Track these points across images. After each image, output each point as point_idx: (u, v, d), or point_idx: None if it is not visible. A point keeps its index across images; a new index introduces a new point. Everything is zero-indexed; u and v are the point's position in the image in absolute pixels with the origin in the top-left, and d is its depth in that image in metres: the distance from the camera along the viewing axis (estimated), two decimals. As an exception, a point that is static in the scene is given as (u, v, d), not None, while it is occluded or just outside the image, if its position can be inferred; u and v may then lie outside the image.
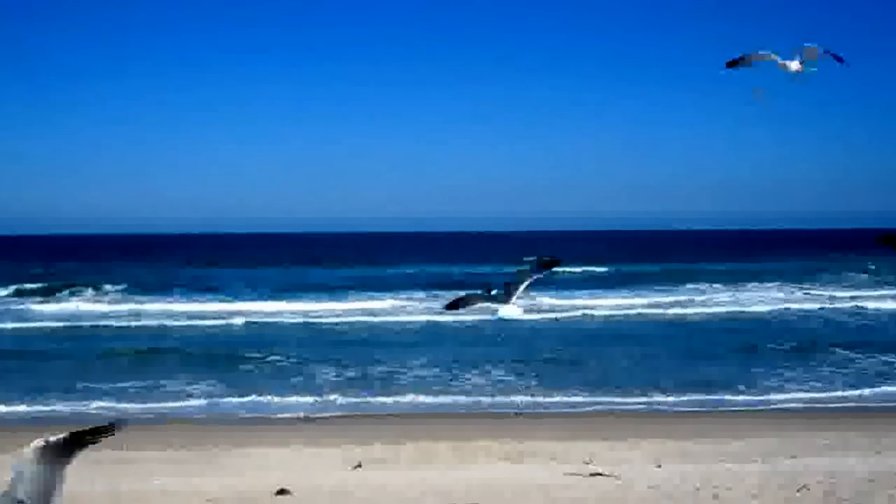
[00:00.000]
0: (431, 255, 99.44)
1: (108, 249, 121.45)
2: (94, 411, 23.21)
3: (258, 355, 32.39)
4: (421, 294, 55.23)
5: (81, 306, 48.98)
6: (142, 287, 57.62)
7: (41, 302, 51.32)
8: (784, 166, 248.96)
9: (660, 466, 15.17)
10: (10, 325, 41.23)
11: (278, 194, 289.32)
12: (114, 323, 42.40)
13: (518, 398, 24.80)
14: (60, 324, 41.77)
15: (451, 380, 27.31)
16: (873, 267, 65.22)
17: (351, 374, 28.66)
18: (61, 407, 23.96)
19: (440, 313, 44.27)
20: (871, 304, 47.68)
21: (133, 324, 42.16)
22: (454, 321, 42.23)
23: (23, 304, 50.57)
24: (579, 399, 24.57)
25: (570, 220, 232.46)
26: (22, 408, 23.87)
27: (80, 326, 41.35)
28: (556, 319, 42.89)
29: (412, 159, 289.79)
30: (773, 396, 24.78)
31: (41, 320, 43.54)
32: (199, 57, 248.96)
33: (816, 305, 48.04)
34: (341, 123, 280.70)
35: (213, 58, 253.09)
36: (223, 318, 43.28)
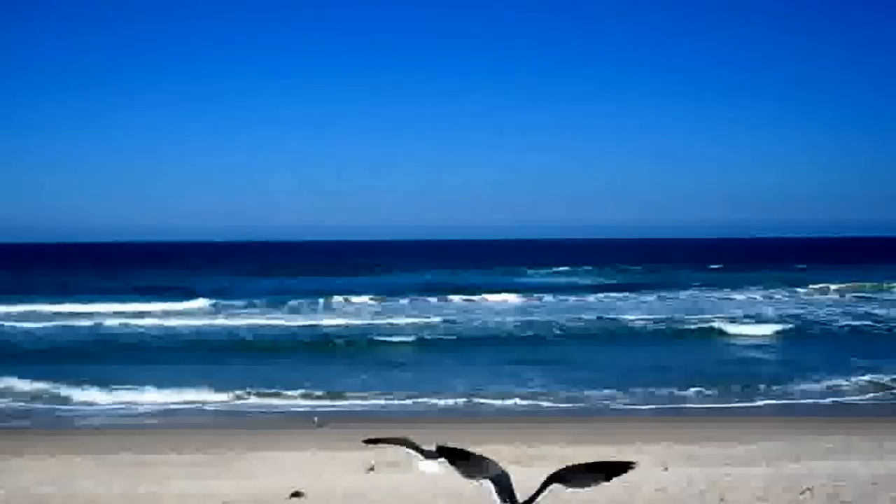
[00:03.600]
0: (444, 263, 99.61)
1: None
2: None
3: (271, 360, 32.78)
4: (433, 299, 55.56)
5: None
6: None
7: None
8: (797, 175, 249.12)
9: (666, 469, 15.32)
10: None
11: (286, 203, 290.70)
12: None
13: (524, 402, 25.04)
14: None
15: (462, 384, 27.50)
16: None
17: (364, 377, 28.91)
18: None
19: (452, 320, 44.74)
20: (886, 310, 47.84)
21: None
22: (465, 327, 42.54)
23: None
24: (587, 405, 24.81)
25: (579, 228, 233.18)
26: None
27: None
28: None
29: (424, 168, 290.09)
30: (779, 401, 25.02)
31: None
32: (215, 68, 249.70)
33: (838, 310, 48.13)
34: (356, 133, 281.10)
35: (229, 68, 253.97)
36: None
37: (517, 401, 25.09)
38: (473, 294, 57.18)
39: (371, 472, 16.12)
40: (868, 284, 61.56)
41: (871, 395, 25.57)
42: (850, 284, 61.04)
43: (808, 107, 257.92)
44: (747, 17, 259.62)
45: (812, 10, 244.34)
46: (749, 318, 44.48)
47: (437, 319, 44.71)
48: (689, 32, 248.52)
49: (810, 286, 60.80)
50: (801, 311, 47.77)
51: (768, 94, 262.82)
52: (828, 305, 51.40)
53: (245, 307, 51.35)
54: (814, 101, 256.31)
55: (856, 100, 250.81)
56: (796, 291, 59.29)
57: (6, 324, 43.48)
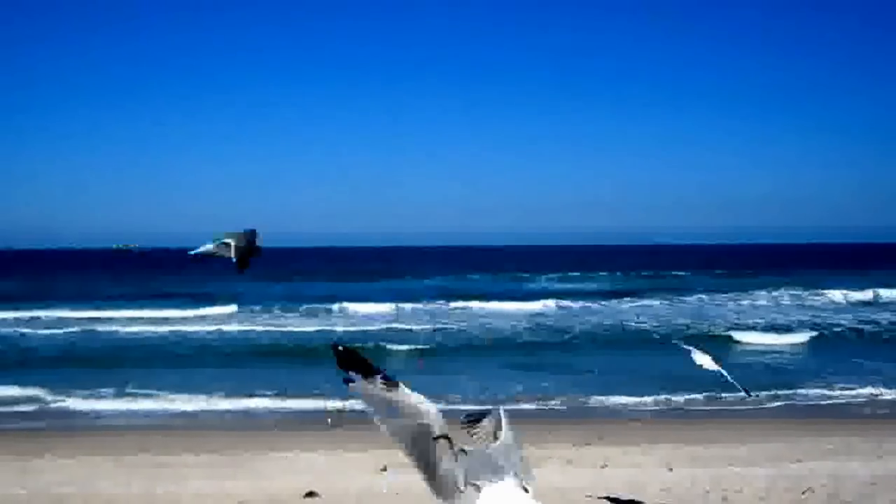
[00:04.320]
0: (456, 269, 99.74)
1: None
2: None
3: (286, 363, 33.16)
4: (445, 304, 55.84)
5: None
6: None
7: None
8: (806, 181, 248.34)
9: (671, 470, 15.60)
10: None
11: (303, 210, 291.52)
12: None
13: (533, 404, 25.32)
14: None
15: (472, 386, 27.79)
16: None
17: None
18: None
19: (463, 325, 45.07)
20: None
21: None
22: (476, 331, 42.81)
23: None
24: (594, 407, 25.11)
25: (588, 234, 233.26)
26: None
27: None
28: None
29: (436, 175, 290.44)
30: (781, 403, 25.28)
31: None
32: (231, 80, 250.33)
33: (841, 315, 48.27)
34: (368, 141, 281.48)
35: (243, 81, 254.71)
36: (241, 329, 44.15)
37: (526, 404, 25.36)
38: (485, 299, 57.43)
39: (383, 473, 16.29)
40: (872, 290, 61.57)
41: (871, 397, 25.79)
42: (853, 289, 61.07)
43: (812, 113, 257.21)
44: (753, 23, 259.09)
45: (818, 15, 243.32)
46: (755, 323, 44.70)
47: (450, 324, 45.02)
48: (695, 41, 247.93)
49: (814, 291, 60.88)
50: (805, 316, 47.92)
51: (773, 102, 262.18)
52: (831, 310, 51.55)
53: (260, 312, 51.78)
54: (817, 108, 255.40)
55: (861, 107, 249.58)
56: (800, 296, 59.34)
57: (27, 329, 43.99)
